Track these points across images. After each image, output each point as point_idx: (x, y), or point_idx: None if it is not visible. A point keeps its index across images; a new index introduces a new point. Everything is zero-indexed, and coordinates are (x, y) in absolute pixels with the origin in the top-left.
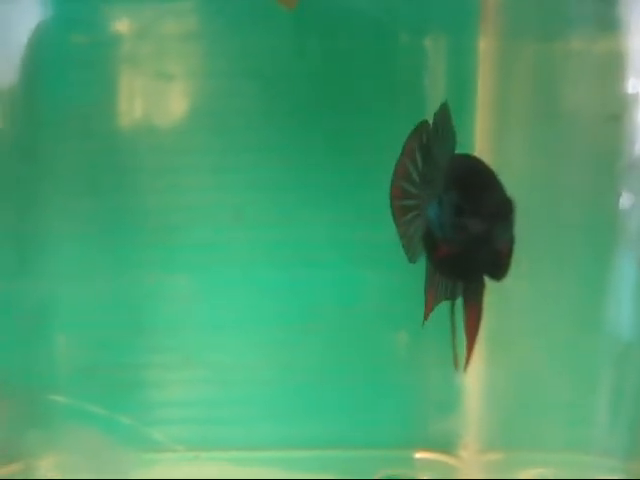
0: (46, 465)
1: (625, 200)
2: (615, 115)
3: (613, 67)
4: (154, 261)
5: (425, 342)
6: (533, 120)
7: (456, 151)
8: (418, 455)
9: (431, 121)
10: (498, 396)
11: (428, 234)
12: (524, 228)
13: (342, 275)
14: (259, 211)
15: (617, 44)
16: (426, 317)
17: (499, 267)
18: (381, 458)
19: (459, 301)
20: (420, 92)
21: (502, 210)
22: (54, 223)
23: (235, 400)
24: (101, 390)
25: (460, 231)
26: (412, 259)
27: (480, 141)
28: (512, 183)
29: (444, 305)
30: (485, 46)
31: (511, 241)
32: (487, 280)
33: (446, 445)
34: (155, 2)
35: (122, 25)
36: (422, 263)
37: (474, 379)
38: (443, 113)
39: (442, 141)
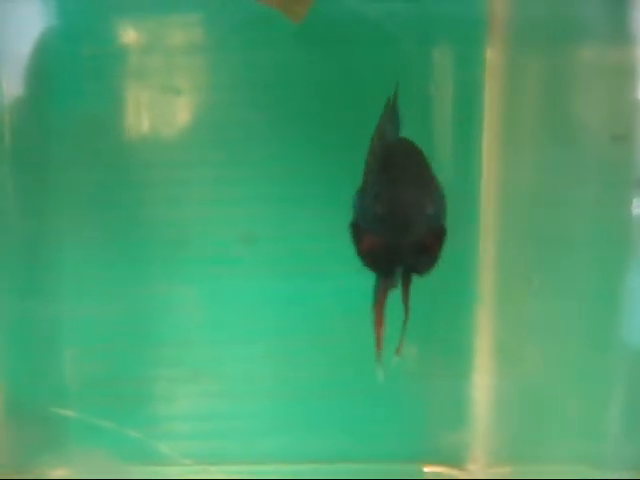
0: (56, 477)
1: (635, 216)
2: (625, 129)
3: (624, 79)
4: (162, 275)
5: (433, 354)
6: (541, 131)
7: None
8: (427, 469)
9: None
10: (507, 409)
11: (353, 225)
12: (533, 244)
13: (349, 286)
14: (268, 223)
15: (628, 56)
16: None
17: (421, 260)
18: (389, 472)
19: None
20: (427, 103)
21: (418, 200)
22: (61, 235)
23: (243, 413)
24: (110, 404)
25: (378, 221)
26: None
27: (487, 152)
28: (520, 196)
29: (451, 318)
30: (492, 57)
31: (437, 234)
32: (486, 291)
33: (455, 459)
34: (162, 14)
35: (130, 37)
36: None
37: (483, 392)
38: (388, 108)
39: (382, 134)
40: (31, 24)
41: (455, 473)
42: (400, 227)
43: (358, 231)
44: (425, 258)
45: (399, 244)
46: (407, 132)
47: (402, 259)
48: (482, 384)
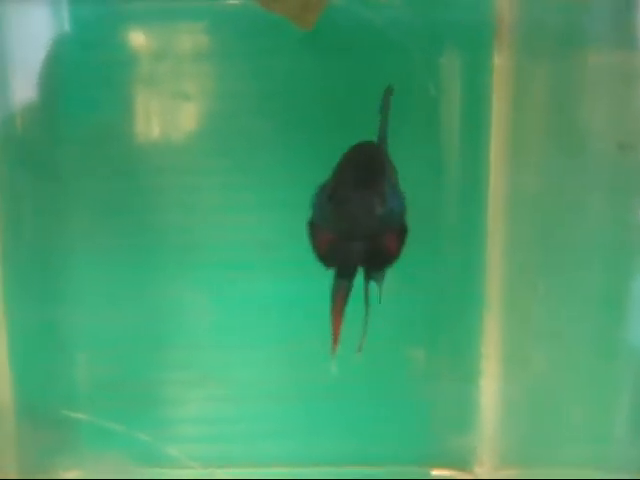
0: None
1: None
2: (632, 137)
3: (632, 86)
4: (172, 279)
5: (441, 358)
6: (548, 138)
7: None
8: (434, 472)
9: None
10: (514, 413)
11: (310, 223)
12: (540, 250)
13: (354, 291)
14: (276, 229)
15: (637, 63)
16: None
17: (379, 259)
18: (396, 475)
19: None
20: (434, 109)
21: (367, 200)
22: (73, 241)
23: (252, 417)
24: (120, 407)
25: (329, 219)
26: None
27: (495, 158)
28: (527, 202)
29: (459, 322)
30: (500, 63)
31: (395, 234)
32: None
33: (462, 462)
34: (172, 22)
35: (140, 45)
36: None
37: (490, 396)
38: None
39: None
40: (43, 32)
41: (462, 476)
42: (348, 226)
43: (314, 229)
44: (382, 257)
45: (353, 243)
46: (415, 138)
47: (359, 258)
48: (489, 388)
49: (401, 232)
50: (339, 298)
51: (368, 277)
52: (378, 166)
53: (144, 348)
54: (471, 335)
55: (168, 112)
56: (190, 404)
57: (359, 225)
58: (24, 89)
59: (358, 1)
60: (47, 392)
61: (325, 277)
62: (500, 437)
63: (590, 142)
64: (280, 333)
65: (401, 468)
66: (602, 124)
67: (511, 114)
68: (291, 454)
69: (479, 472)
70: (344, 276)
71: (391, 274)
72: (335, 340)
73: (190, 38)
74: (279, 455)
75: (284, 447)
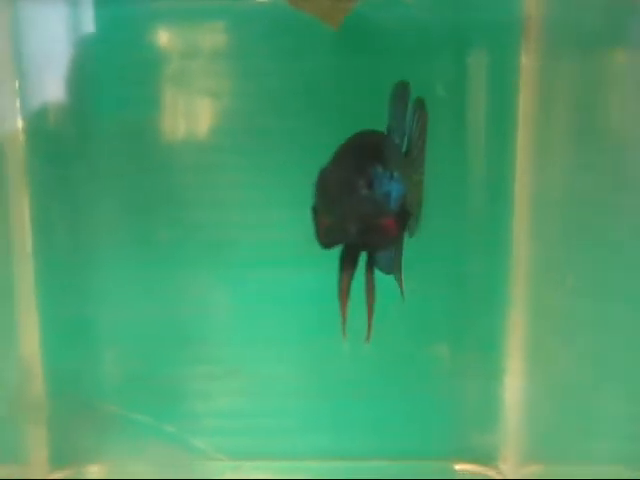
0: (96, 470)
1: None
2: None
3: None
4: (199, 276)
5: (466, 355)
6: (575, 137)
7: None
8: (458, 467)
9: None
10: (538, 409)
11: (312, 208)
12: (566, 247)
13: (380, 287)
14: (304, 228)
15: None
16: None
17: (376, 244)
18: (421, 469)
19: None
20: (461, 109)
21: (349, 181)
22: (103, 237)
23: (277, 412)
24: (148, 400)
25: (320, 201)
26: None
27: (521, 158)
28: (553, 200)
29: (484, 319)
30: (527, 62)
31: (390, 218)
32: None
33: (486, 457)
34: (200, 21)
35: (166, 44)
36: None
37: (514, 392)
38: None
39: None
40: (74, 31)
41: (486, 472)
42: (337, 208)
43: (314, 214)
44: (380, 240)
45: (347, 226)
46: (442, 137)
47: (356, 242)
48: (513, 385)
49: (400, 216)
50: (343, 284)
51: (371, 264)
52: (374, 151)
53: (171, 343)
54: (496, 332)
55: (196, 110)
56: (217, 398)
57: (346, 207)
58: (55, 87)
59: (384, 1)
60: (77, 385)
61: None
62: (524, 434)
63: (616, 141)
64: (305, 329)
65: (425, 463)
66: (628, 124)
67: (538, 114)
68: (316, 448)
69: (503, 468)
70: (345, 262)
71: (416, 271)
72: (343, 323)
73: (218, 37)
74: (304, 449)
75: (309, 441)
